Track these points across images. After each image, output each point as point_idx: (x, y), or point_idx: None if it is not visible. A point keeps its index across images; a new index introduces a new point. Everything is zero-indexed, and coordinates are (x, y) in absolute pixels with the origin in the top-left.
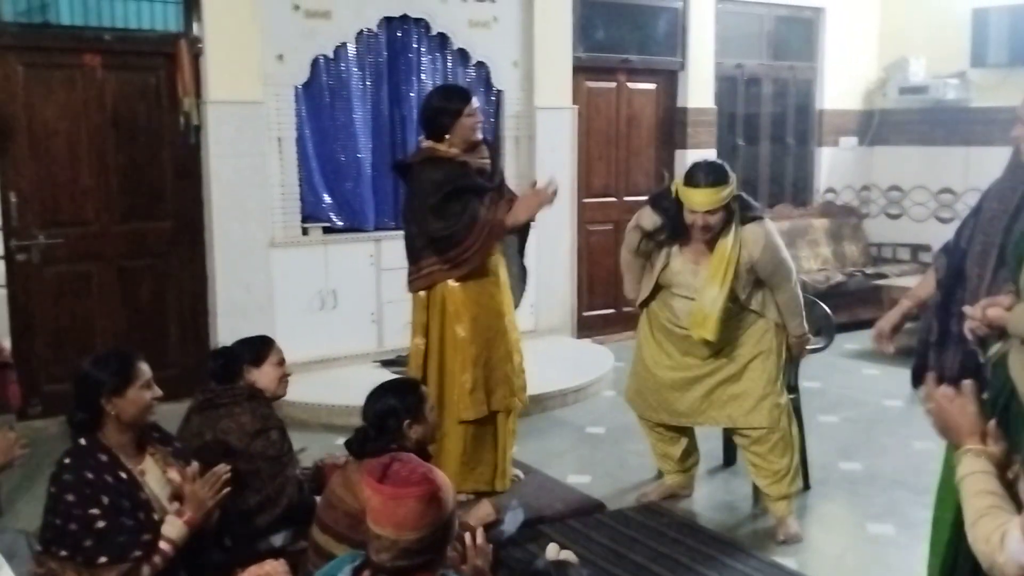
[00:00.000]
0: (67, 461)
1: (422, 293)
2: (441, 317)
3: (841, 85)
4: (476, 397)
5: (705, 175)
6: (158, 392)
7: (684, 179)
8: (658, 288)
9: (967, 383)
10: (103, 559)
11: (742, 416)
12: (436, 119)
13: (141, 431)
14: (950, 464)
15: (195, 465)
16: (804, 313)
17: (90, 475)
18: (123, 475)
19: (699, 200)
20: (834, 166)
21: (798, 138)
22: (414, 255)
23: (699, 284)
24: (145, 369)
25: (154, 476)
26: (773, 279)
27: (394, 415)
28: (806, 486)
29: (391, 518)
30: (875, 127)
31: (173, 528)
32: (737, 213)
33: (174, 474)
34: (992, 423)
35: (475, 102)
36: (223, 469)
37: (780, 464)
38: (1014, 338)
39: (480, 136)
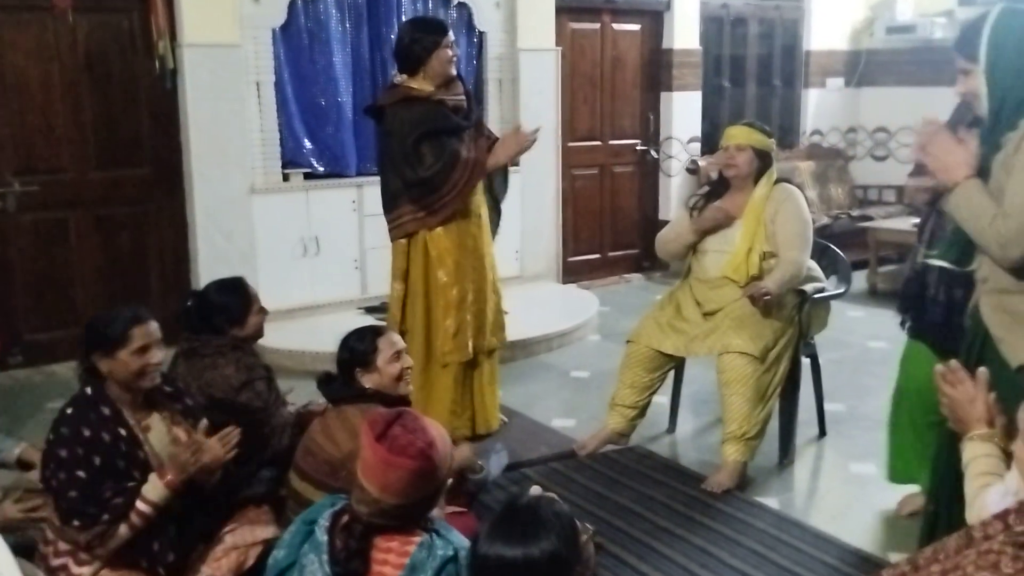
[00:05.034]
0: (69, 411)
1: (403, 239)
2: (424, 262)
3: (828, 25)
4: (460, 340)
5: (745, 120)
6: (156, 358)
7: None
8: (692, 253)
9: (982, 372)
10: (75, 522)
11: (730, 339)
12: (411, 51)
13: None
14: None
15: (203, 424)
16: (788, 287)
17: (87, 432)
18: (123, 431)
19: (731, 132)
20: (820, 108)
21: (784, 79)
22: (390, 203)
23: (732, 235)
24: (139, 333)
25: (158, 433)
26: (788, 231)
27: (347, 364)
28: (822, 433)
29: (378, 478)
30: (862, 67)
31: (153, 489)
32: (773, 175)
33: (180, 432)
34: (992, 397)
35: (451, 35)
36: (221, 435)
37: (744, 406)
38: (985, 285)
39: (455, 71)
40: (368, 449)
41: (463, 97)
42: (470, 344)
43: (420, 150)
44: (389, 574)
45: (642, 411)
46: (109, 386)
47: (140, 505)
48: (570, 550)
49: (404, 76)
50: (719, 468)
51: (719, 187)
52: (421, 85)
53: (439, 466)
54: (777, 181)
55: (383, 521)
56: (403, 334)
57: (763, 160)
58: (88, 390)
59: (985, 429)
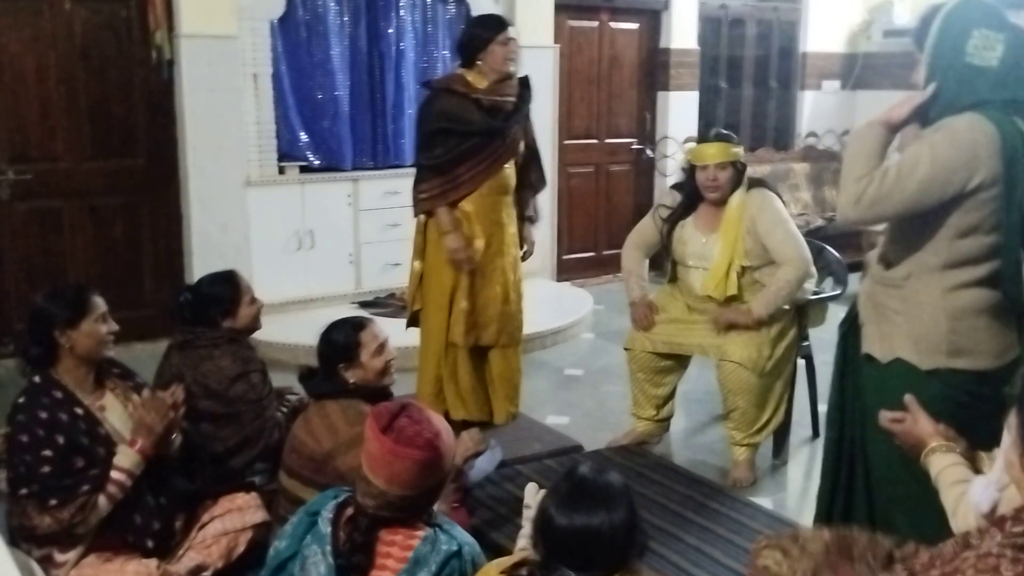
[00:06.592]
0: (21, 400)
1: (422, 216)
2: (437, 241)
3: (825, 27)
4: (466, 325)
5: (715, 133)
6: (114, 326)
7: (696, 142)
8: (674, 265)
9: (908, 399)
10: (53, 501)
11: (728, 347)
12: (468, 44)
13: (99, 367)
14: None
15: (147, 392)
16: (780, 308)
17: (44, 414)
18: (79, 411)
19: (710, 152)
20: (816, 110)
21: (781, 81)
22: (416, 178)
23: (710, 250)
24: (99, 303)
25: (116, 411)
26: (773, 239)
27: (330, 358)
28: (815, 434)
29: (385, 470)
30: (858, 70)
31: (125, 457)
32: (745, 182)
33: (134, 400)
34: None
35: (511, 31)
36: (168, 393)
37: (750, 411)
38: (867, 273)
39: (511, 68)
40: (374, 441)
41: (511, 98)
42: (475, 333)
43: (433, 140)
44: (392, 567)
45: (659, 408)
46: (57, 372)
47: (115, 474)
48: (637, 512)
49: (462, 69)
50: (736, 465)
51: (691, 199)
52: (475, 79)
53: (445, 456)
54: (750, 186)
55: (389, 513)
56: (417, 312)
57: (739, 170)
58: (36, 379)
59: (939, 441)
